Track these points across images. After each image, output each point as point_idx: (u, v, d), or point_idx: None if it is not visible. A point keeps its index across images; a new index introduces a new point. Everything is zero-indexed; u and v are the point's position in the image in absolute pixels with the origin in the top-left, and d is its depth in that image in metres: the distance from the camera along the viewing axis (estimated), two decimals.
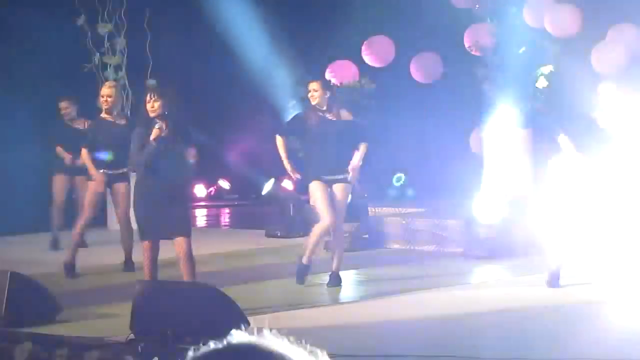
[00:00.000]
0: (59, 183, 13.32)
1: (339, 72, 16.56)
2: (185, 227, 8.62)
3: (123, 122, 11.22)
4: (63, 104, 13.13)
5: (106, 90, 11.28)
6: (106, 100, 11.19)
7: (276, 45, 18.44)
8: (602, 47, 15.61)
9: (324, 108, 10.05)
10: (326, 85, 10.28)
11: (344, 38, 17.76)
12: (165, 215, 8.62)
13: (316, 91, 10.05)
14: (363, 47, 18.02)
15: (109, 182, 11.23)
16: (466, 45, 17.01)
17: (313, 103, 10.09)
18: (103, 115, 11.30)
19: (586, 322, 8.20)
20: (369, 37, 18.05)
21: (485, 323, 8.27)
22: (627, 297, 9.21)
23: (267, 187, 13.21)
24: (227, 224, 17.93)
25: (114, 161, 11.15)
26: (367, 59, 17.97)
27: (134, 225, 11.22)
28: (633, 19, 16.06)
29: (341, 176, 10.00)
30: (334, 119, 10.06)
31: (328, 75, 16.42)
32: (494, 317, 8.47)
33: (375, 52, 17.99)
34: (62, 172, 13.22)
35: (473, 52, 16.90)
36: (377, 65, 17.91)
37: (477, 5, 16.60)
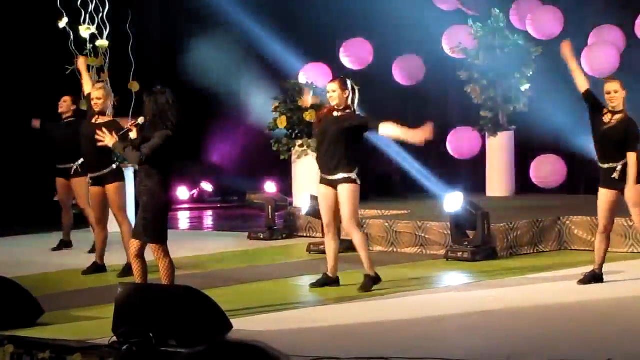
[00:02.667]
0: (58, 184, 13.40)
1: (313, 74, 16.53)
2: (148, 232, 8.53)
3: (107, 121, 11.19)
4: (63, 99, 13.14)
5: (95, 92, 11.26)
6: (96, 103, 11.20)
7: (257, 47, 18.44)
8: (591, 49, 15.66)
9: (342, 107, 9.93)
10: (345, 84, 9.98)
11: (319, 40, 17.73)
12: (138, 217, 8.66)
13: (334, 92, 9.92)
14: (341, 49, 17.97)
15: (102, 183, 11.22)
16: (447, 47, 17.03)
17: (332, 104, 9.92)
18: (96, 117, 11.28)
19: (571, 323, 8.22)
20: (347, 40, 18.01)
21: (467, 325, 8.29)
22: (623, 298, 9.26)
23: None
24: (210, 226, 17.91)
25: (98, 162, 11.16)
26: (346, 61, 17.94)
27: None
28: (615, 21, 16.15)
29: (341, 176, 9.89)
30: (339, 116, 9.91)
31: (302, 77, 16.40)
32: (477, 319, 8.49)
33: (354, 54, 17.95)
34: (59, 174, 13.30)
35: (454, 55, 16.92)
36: (355, 67, 17.86)
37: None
